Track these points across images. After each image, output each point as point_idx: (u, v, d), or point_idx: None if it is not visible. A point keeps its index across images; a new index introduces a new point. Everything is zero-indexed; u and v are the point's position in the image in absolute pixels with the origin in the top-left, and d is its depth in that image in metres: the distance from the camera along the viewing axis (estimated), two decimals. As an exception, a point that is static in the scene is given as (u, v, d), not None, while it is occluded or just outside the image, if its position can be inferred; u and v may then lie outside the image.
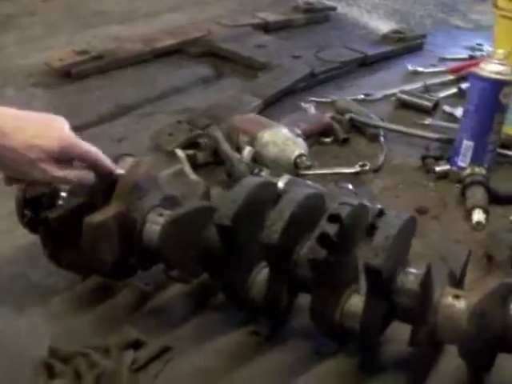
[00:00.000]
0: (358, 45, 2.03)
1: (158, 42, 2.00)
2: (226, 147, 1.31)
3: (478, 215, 1.22)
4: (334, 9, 2.38)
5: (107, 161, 0.98)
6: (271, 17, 2.26)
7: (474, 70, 1.35)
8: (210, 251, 0.96)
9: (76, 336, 0.95)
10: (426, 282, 0.82)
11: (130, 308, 1.02)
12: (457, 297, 0.80)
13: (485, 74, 1.32)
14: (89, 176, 0.96)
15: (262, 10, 2.31)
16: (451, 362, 0.91)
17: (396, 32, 2.11)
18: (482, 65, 1.34)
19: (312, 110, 1.64)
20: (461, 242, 1.18)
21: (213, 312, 1.01)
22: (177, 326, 0.99)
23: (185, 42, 2.02)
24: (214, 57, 1.98)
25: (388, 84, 1.81)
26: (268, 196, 0.98)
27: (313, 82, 1.82)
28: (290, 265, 0.91)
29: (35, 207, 1.03)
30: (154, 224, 0.95)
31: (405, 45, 2.06)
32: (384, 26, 2.30)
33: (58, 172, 0.92)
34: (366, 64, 1.97)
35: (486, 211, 1.23)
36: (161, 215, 0.96)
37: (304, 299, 0.97)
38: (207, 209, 0.96)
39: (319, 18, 2.33)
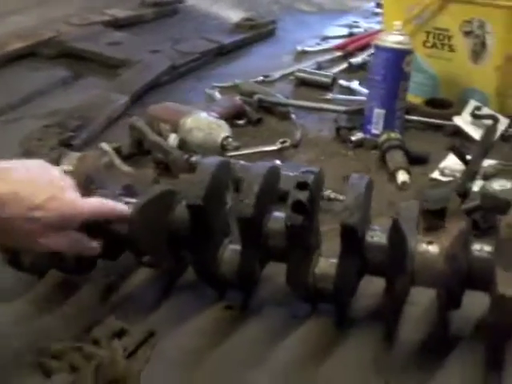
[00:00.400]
0: (213, 35, 2.07)
1: (7, 46, 1.94)
2: (153, 137, 1.32)
3: (402, 176, 1.31)
4: (181, 1, 2.40)
5: (117, 207, 0.92)
6: (120, 13, 2.26)
7: (376, 42, 1.45)
8: (178, 233, 0.98)
9: (49, 334, 0.94)
10: (396, 235, 0.88)
11: (97, 300, 1.02)
12: (430, 243, 0.88)
13: (388, 44, 1.42)
14: (93, 250, 0.91)
15: (110, 7, 2.29)
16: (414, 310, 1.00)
17: (248, 20, 2.17)
18: (384, 37, 1.43)
19: (217, 95, 1.68)
20: (393, 202, 1.26)
21: (182, 293, 1.03)
22: (152, 310, 1.00)
23: (36, 44, 1.98)
24: (69, 57, 1.96)
25: (251, 70, 1.84)
26: (227, 175, 1.01)
27: (175, 75, 1.84)
28: (261, 236, 0.95)
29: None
30: (122, 213, 0.96)
31: (258, 32, 2.12)
32: (234, 15, 2.35)
33: (60, 244, 0.86)
34: (223, 53, 2.01)
35: (408, 171, 1.33)
36: (127, 203, 0.97)
37: (268, 269, 1.02)
38: (170, 193, 0.98)
39: (168, 11, 2.34)
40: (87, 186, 1.01)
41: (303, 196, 0.90)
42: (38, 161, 0.88)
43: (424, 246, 0.88)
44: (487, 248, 0.90)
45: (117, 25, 2.18)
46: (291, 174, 1.07)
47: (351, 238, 0.89)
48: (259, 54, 2.02)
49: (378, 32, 2.05)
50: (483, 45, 1.52)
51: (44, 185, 0.84)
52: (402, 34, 1.42)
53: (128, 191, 1.01)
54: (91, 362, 0.86)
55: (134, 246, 0.96)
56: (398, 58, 1.41)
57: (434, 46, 1.57)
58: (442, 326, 0.97)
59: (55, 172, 0.87)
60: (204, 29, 2.19)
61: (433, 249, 0.87)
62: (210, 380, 0.89)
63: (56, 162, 1.11)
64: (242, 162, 1.30)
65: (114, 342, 0.91)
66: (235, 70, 1.88)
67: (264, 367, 0.91)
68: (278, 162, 1.35)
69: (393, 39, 1.41)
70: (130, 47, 1.96)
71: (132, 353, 0.91)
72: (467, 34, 1.53)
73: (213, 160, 0.98)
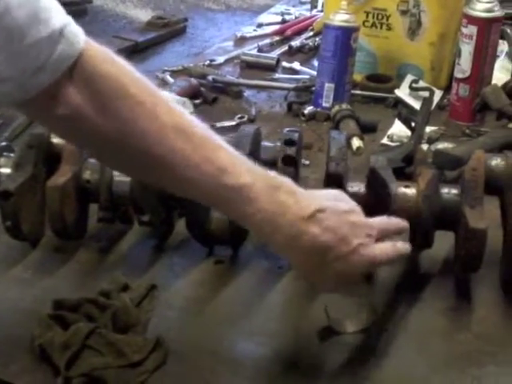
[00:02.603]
0: (126, 34, 2.10)
1: None
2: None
3: (357, 142, 1.42)
4: (89, 1, 2.41)
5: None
6: None
7: (326, 21, 1.56)
8: (169, 193, 1.05)
9: (56, 293, 1.00)
10: (377, 180, 0.99)
11: (95, 261, 1.09)
12: (407, 186, 0.99)
13: (336, 23, 1.53)
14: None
15: None
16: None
17: (159, 18, 2.21)
18: (331, 16, 1.55)
19: (169, 78, 1.75)
20: (351, 165, 1.37)
21: (173, 252, 1.11)
22: (147, 268, 1.07)
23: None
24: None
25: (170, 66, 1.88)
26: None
27: None
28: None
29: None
30: (123, 177, 1.03)
31: (170, 29, 2.17)
32: (143, 15, 2.39)
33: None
34: (138, 51, 2.04)
35: (361, 138, 1.44)
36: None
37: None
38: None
39: (77, 11, 2.31)
40: (80, 155, 1.07)
41: (291, 151, 0.99)
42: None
43: (402, 189, 0.99)
44: (454, 191, 1.02)
45: None
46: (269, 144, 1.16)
47: (336, 186, 0.99)
48: (172, 50, 2.08)
49: (311, 17, 2.20)
50: (418, 23, 1.65)
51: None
52: (347, 13, 1.53)
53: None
54: (107, 311, 0.92)
55: (135, 204, 1.03)
56: (347, 35, 1.52)
57: (373, 25, 1.69)
58: (415, 264, 1.09)
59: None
60: (115, 28, 2.23)
61: (410, 191, 0.99)
62: (215, 323, 0.97)
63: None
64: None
65: (122, 294, 0.97)
66: (152, 67, 1.94)
67: (261, 308, 1.00)
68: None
69: (340, 18, 1.53)
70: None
71: (138, 304, 0.98)
72: (404, 12, 1.66)
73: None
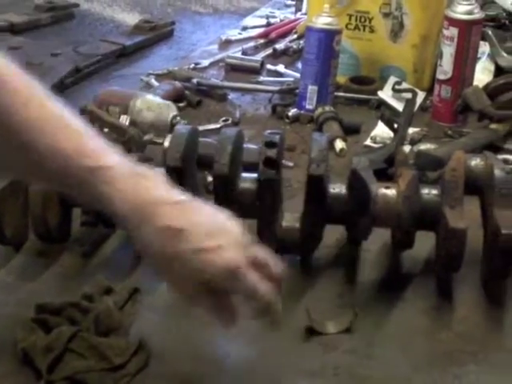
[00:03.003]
0: (114, 37, 2.10)
1: None
2: (109, 118, 1.38)
3: (340, 144, 1.43)
4: (77, 5, 2.40)
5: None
6: (16, 18, 2.21)
7: (309, 24, 1.57)
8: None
9: (39, 298, 1.00)
10: (357, 181, 0.99)
11: (78, 265, 1.09)
12: (388, 187, 1.00)
13: (319, 26, 1.54)
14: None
15: (3, 13, 2.24)
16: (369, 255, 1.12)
17: (147, 22, 2.20)
18: (314, 19, 1.56)
19: (154, 81, 1.75)
20: (333, 167, 1.37)
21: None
22: (130, 271, 1.07)
23: None
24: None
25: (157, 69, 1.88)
26: (195, 140, 1.10)
27: (79, 77, 1.86)
28: (235, 194, 1.04)
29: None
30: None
31: (157, 33, 2.17)
32: (130, 18, 2.38)
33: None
34: (125, 54, 2.03)
35: (344, 139, 1.45)
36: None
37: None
38: (146, 159, 1.06)
39: (64, 15, 2.32)
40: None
41: (272, 153, 1.00)
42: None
43: (383, 190, 0.99)
44: (434, 191, 1.03)
45: (13, 30, 2.14)
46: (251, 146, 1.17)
47: (317, 187, 1.00)
48: (160, 54, 2.09)
49: (295, 20, 2.20)
50: (401, 25, 1.66)
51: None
52: (330, 16, 1.54)
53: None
54: (89, 315, 0.92)
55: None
56: (329, 38, 1.53)
57: (355, 27, 1.70)
58: (397, 264, 1.10)
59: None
60: (103, 31, 2.23)
61: (391, 192, 0.99)
62: (197, 325, 0.96)
63: None
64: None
65: (105, 297, 0.97)
66: (139, 70, 1.94)
67: (243, 311, 1.00)
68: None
69: (323, 21, 1.54)
70: (30, 51, 1.93)
71: (121, 307, 0.98)
72: (386, 15, 1.67)
73: (183, 128, 1.07)
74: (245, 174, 1.05)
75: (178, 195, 0.79)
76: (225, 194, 1.03)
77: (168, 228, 0.77)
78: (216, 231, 0.78)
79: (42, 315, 0.92)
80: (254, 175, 1.03)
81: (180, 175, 1.01)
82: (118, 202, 0.77)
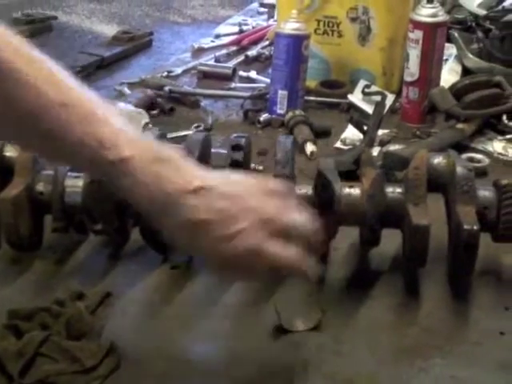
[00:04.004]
0: (92, 49, 2.12)
1: None
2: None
3: (310, 147, 1.45)
4: (55, 18, 2.41)
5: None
6: None
7: (277, 30, 1.59)
8: (125, 202, 1.07)
9: (12, 305, 1.01)
10: (323, 181, 1.02)
11: (51, 272, 1.10)
12: (351, 186, 1.02)
13: (287, 31, 1.56)
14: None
15: None
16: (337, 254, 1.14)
17: (125, 32, 2.22)
18: (282, 25, 1.58)
19: (127, 90, 1.77)
20: (303, 170, 1.40)
21: (129, 260, 1.13)
22: (103, 276, 1.09)
23: None
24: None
25: (130, 79, 1.90)
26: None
27: None
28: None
29: None
30: (75, 187, 1.05)
31: (136, 43, 2.19)
32: (108, 30, 2.40)
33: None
34: (104, 66, 2.05)
35: (315, 143, 1.47)
36: (77, 177, 1.05)
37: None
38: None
39: (43, 28, 2.33)
40: (33, 168, 1.09)
41: (239, 156, 1.02)
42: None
43: (347, 189, 1.02)
44: (399, 189, 1.05)
45: None
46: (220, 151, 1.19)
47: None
48: (139, 64, 2.10)
49: (267, 27, 2.23)
50: (368, 29, 1.69)
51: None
52: (298, 22, 1.57)
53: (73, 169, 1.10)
54: (60, 319, 0.94)
55: (87, 214, 1.04)
56: (297, 43, 1.56)
57: (324, 32, 1.73)
58: (365, 262, 1.12)
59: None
60: (81, 43, 2.25)
61: (354, 191, 1.02)
62: (169, 327, 0.99)
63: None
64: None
65: (76, 302, 0.99)
66: (118, 81, 1.95)
67: (215, 310, 1.02)
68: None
69: (291, 27, 1.56)
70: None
71: (93, 311, 0.99)
72: (353, 20, 1.70)
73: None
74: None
75: (198, 178, 0.79)
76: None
77: (189, 221, 0.78)
78: (237, 213, 0.78)
79: (14, 321, 0.94)
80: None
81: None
82: (138, 196, 0.78)
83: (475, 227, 0.98)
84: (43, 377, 0.86)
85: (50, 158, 0.89)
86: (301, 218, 0.83)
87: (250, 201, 0.80)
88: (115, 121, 0.79)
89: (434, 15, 1.51)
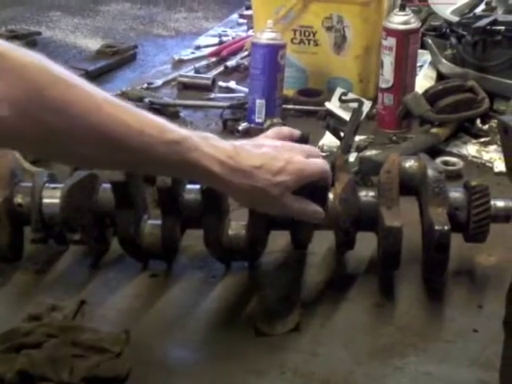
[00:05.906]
0: (76, 63, 2.13)
1: None
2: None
3: (288, 154, 1.47)
4: (39, 33, 2.42)
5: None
6: None
7: (253, 40, 1.61)
8: (103, 211, 1.09)
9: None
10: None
11: (32, 283, 1.11)
12: (325, 190, 1.04)
13: (263, 41, 1.59)
14: (318, 215, 0.99)
15: None
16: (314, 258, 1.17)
17: (109, 46, 2.23)
18: (258, 35, 1.61)
19: (107, 103, 1.78)
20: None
21: (109, 268, 1.14)
22: (83, 286, 1.10)
23: None
24: None
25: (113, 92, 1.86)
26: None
27: None
28: (180, 207, 1.08)
29: None
30: (52, 198, 1.06)
31: (120, 57, 2.20)
32: (92, 44, 2.42)
33: (296, 204, 0.97)
34: (89, 79, 2.06)
35: (292, 150, 1.49)
36: (55, 188, 1.07)
37: (185, 240, 1.15)
38: (92, 176, 1.09)
39: (27, 43, 2.28)
40: (11, 180, 1.10)
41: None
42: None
43: (321, 194, 1.04)
44: (372, 193, 1.07)
45: None
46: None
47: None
48: (123, 77, 2.12)
49: (246, 38, 2.25)
50: (343, 37, 1.71)
51: (280, 151, 0.98)
52: (274, 32, 1.59)
53: (52, 179, 1.11)
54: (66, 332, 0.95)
55: (66, 224, 1.06)
56: (274, 53, 1.58)
57: (300, 42, 1.75)
58: (341, 265, 1.14)
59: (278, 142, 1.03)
60: (66, 58, 2.26)
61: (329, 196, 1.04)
62: (148, 333, 1.00)
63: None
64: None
65: (53, 314, 1.00)
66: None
67: (194, 316, 1.04)
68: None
69: (267, 36, 1.58)
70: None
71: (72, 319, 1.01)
72: (329, 29, 1.72)
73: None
74: (189, 186, 1.09)
75: (233, 144, 0.97)
76: (170, 207, 1.07)
77: (247, 170, 0.94)
78: (275, 153, 0.97)
79: (15, 341, 0.93)
80: (198, 186, 1.06)
81: (124, 189, 1.05)
82: (208, 163, 0.91)
83: (446, 227, 1.00)
84: (86, 373, 0.89)
85: (120, 164, 0.94)
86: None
87: (276, 145, 1.00)
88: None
89: (406, 22, 1.54)
